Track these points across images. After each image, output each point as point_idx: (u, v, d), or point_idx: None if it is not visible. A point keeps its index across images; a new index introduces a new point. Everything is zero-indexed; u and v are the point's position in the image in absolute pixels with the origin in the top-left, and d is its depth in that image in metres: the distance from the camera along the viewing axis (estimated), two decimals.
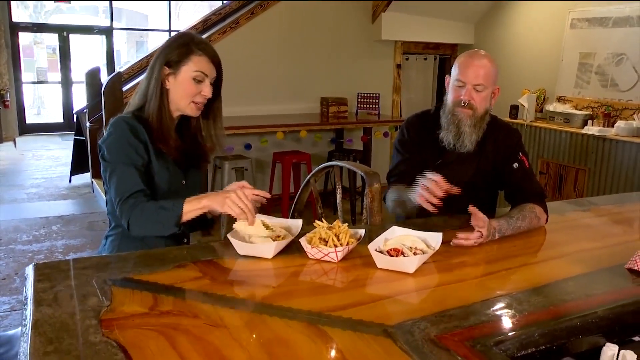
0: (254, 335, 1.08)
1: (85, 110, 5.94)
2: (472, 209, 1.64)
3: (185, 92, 1.66)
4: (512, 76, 5.67)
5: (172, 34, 2.02)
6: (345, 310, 1.19)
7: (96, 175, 5.60)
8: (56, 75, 10.04)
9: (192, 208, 1.54)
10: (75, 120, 6.59)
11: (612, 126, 4.56)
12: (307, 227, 1.58)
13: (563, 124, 4.93)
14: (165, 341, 1.03)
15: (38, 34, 10.73)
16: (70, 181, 6.30)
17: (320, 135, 5.42)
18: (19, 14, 10.36)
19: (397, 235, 1.58)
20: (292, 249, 1.54)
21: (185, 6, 11.37)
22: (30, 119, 10.08)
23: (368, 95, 5.57)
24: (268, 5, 5.25)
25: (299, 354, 1.02)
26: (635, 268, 1.48)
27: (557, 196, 4.87)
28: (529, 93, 5.32)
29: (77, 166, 6.17)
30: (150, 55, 5.33)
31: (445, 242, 1.59)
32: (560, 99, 5.30)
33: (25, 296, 1.23)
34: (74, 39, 9.86)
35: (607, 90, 4.93)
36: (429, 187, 1.63)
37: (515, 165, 1.97)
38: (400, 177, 2.01)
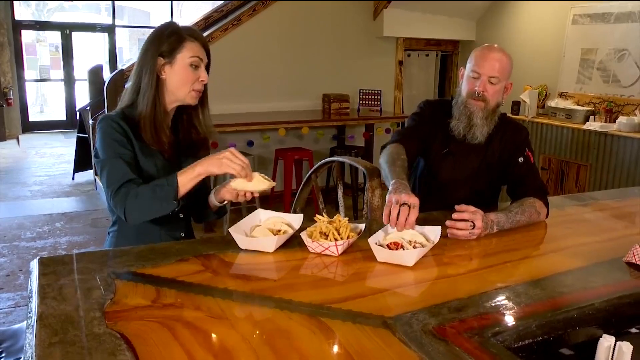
0: (256, 327, 1.10)
1: (88, 108, 5.96)
2: (458, 207, 1.66)
3: (184, 79, 1.65)
4: (513, 72, 5.62)
5: None
6: (346, 302, 1.21)
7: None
8: (59, 73, 10.07)
9: (187, 179, 1.54)
10: (78, 117, 6.62)
11: (614, 122, 4.56)
12: (309, 223, 1.59)
13: (565, 120, 4.93)
14: (167, 332, 1.05)
15: (41, 32, 10.76)
16: (73, 178, 6.33)
17: (322, 132, 5.44)
18: (22, 12, 10.40)
19: None
20: (293, 243, 1.56)
21: (187, 3, 11.38)
22: (33, 116, 10.12)
23: (370, 91, 5.58)
24: (270, 2, 5.26)
25: (299, 345, 1.03)
26: (633, 261, 1.49)
27: (559, 192, 4.87)
28: (531, 89, 5.32)
29: (80, 163, 6.20)
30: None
31: (444, 236, 1.61)
32: (562, 95, 5.30)
33: (30, 289, 1.25)
34: (76, 36, 9.88)
35: (609, 86, 4.92)
36: (395, 215, 1.54)
37: (521, 159, 1.99)
38: (403, 137, 2.03)
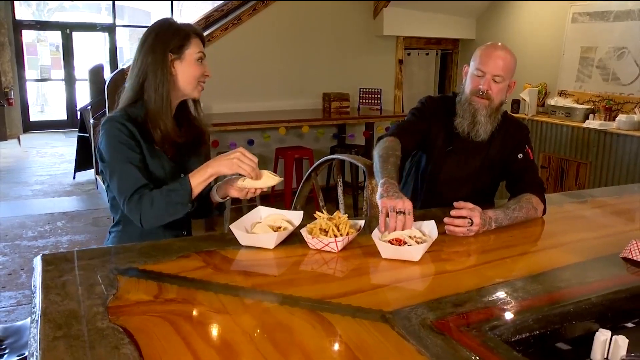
0: (256, 321, 1.12)
1: (88, 107, 5.98)
2: (457, 204, 1.68)
3: (193, 74, 1.68)
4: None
5: None
6: (345, 297, 1.22)
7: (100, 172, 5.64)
8: (59, 73, 10.08)
9: (199, 180, 1.57)
10: (78, 117, 6.63)
11: (614, 120, 4.57)
12: (309, 221, 1.61)
13: (564, 118, 4.94)
14: (169, 327, 1.06)
15: (41, 32, 10.77)
16: (74, 178, 6.35)
17: (322, 131, 5.46)
18: (22, 11, 10.40)
19: None
20: (293, 239, 1.57)
21: (187, 3, 11.40)
22: (34, 116, 10.13)
23: (370, 90, 5.60)
24: (270, 1, 5.27)
25: (300, 339, 1.05)
26: (630, 257, 1.51)
27: (559, 190, 4.88)
28: (531, 87, 5.34)
29: (81, 163, 6.21)
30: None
31: (442, 233, 1.62)
32: (562, 93, 5.31)
33: (34, 285, 1.26)
34: (77, 36, 9.89)
35: (609, 84, 4.94)
36: (394, 223, 1.55)
37: (520, 155, 2.01)
38: (401, 131, 2.04)
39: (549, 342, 1.19)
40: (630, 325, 1.30)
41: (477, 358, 0.99)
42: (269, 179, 1.61)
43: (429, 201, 2.08)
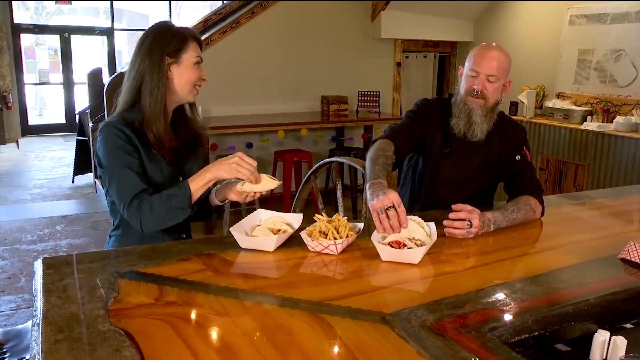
0: (257, 323, 1.12)
1: (87, 111, 5.98)
2: (455, 206, 1.68)
3: (189, 78, 1.68)
4: (511, 73, 5.68)
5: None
6: (345, 299, 1.23)
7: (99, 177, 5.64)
8: (58, 77, 10.08)
9: (198, 185, 1.58)
10: (77, 121, 6.63)
11: (611, 122, 4.59)
12: (308, 224, 1.61)
13: (562, 120, 4.96)
14: (170, 329, 1.07)
15: (40, 36, 10.76)
16: (73, 181, 6.34)
17: (321, 134, 5.46)
18: (21, 15, 10.41)
19: None
20: (293, 242, 1.58)
21: (185, 6, 11.42)
22: (33, 120, 10.13)
23: (368, 93, 5.61)
24: (268, 4, 5.28)
25: (300, 340, 1.05)
26: (628, 258, 1.51)
27: (557, 192, 4.89)
28: (528, 90, 5.35)
29: (80, 166, 6.21)
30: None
31: (442, 235, 1.63)
32: (560, 95, 5.33)
33: (34, 289, 1.26)
34: (75, 40, 9.90)
35: (606, 86, 4.95)
36: (388, 222, 1.56)
37: (518, 157, 2.01)
38: (394, 134, 2.04)
39: (548, 343, 1.20)
40: (628, 326, 1.31)
41: (477, 359, 1.00)
42: (268, 183, 1.62)
43: (428, 203, 2.09)
